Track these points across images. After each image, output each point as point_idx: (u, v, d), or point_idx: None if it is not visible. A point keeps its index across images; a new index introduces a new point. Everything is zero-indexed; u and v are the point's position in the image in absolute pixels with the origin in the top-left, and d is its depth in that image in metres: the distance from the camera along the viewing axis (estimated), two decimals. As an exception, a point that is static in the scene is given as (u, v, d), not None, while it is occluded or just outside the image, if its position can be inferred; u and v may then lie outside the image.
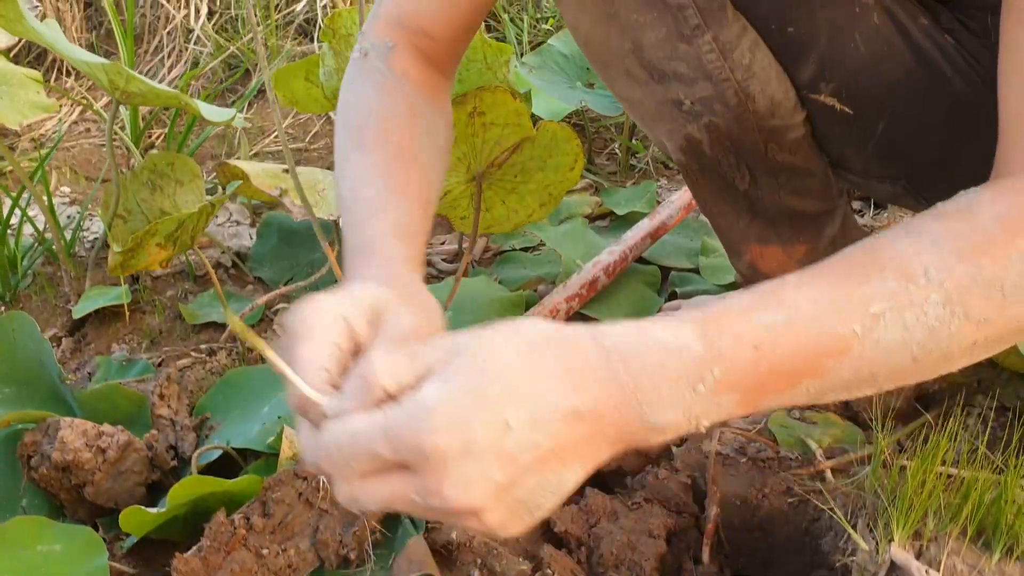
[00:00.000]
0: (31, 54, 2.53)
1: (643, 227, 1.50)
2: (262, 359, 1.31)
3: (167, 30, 2.42)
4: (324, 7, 2.31)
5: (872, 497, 0.89)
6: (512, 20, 2.28)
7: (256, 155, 2.11)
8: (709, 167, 1.04)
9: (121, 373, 1.32)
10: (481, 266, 1.59)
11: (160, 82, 2.39)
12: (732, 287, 1.46)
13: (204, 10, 2.39)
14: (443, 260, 1.67)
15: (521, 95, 1.64)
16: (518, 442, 0.53)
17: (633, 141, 1.96)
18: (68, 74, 2.46)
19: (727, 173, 1.04)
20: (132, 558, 1.04)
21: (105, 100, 2.35)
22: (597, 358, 0.56)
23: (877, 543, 0.82)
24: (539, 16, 2.31)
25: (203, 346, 1.36)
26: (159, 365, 1.33)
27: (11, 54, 2.44)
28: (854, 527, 0.87)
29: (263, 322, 1.41)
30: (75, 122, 2.28)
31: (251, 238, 1.69)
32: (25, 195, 1.73)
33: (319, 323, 0.63)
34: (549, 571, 0.94)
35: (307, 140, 2.16)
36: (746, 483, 1.08)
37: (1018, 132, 0.72)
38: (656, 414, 0.56)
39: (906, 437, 1.16)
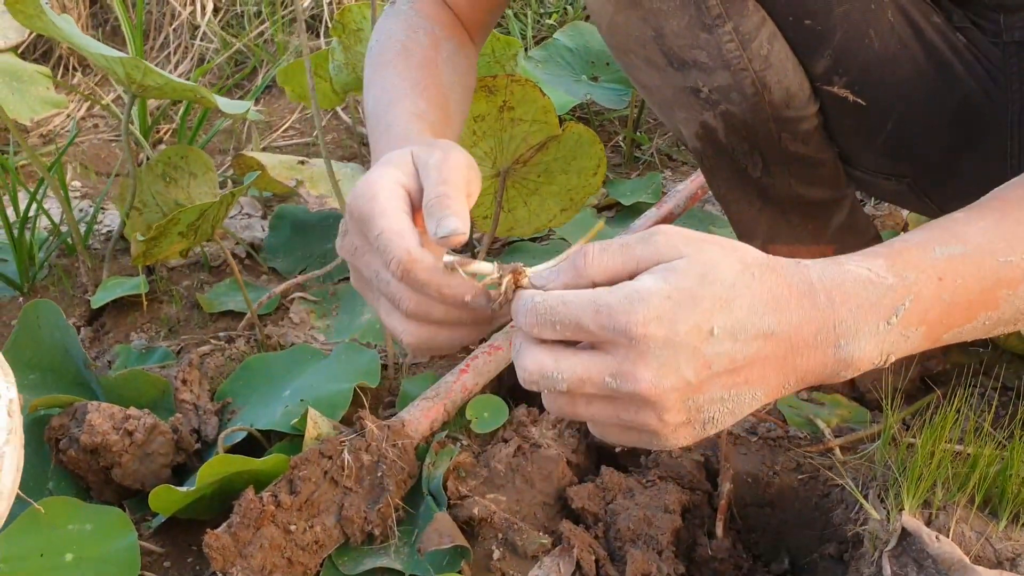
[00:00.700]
0: (38, 51, 2.55)
1: (651, 216, 1.53)
2: (280, 345, 1.34)
3: (173, 27, 2.44)
4: (330, 3, 2.34)
5: (883, 469, 0.92)
6: (516, 15, 2.31)
7: (265, 149, 2.14)
8: (723, 154, 1.07)
9: (141, 360, 1.34)
10: (491, 255, 1.61)
11: (167, 78, 2.41)
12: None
13: (210, 6, 2.42)
14: (453, 250, 1.69)
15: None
16: (716, 350, 0.56)
17: (638, 133, 1.99)
18: (75, 69, 2.48)
19: (741, 161, 1.07)
20: (159, 537, 1.06)
21: (113, 95, 2.37)
22: (801, 286, 0.59)
23: (888, 512, 0.85)
24: (542, 11, 2.33)
25: (221, 334, 1.38)
26: (179, 353, 1.35)
27: (18, 51, 2.46)
28: (865, 498, 0.89)
29: (280, 310, 1.44)
30: (83, 118, 2.30)
31: (263, 230, 1.71)
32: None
33: (384, 197, 0.67)
34: (568, 545, 0.97)
35: (315, 135, 2.18)
36: (757, 461, 1.11)
37: None
38: (851, 344, 0.59)
39: (912, 416, 1.19)
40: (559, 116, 2.01)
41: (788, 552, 1.03)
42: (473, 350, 1.23)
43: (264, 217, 1.78)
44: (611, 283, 0.59)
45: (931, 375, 1.25)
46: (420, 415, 1.10)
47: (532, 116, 1.18)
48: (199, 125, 1.89)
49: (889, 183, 1.14)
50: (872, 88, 1.01)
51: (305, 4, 2.34)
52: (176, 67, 2.41)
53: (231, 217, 1.81)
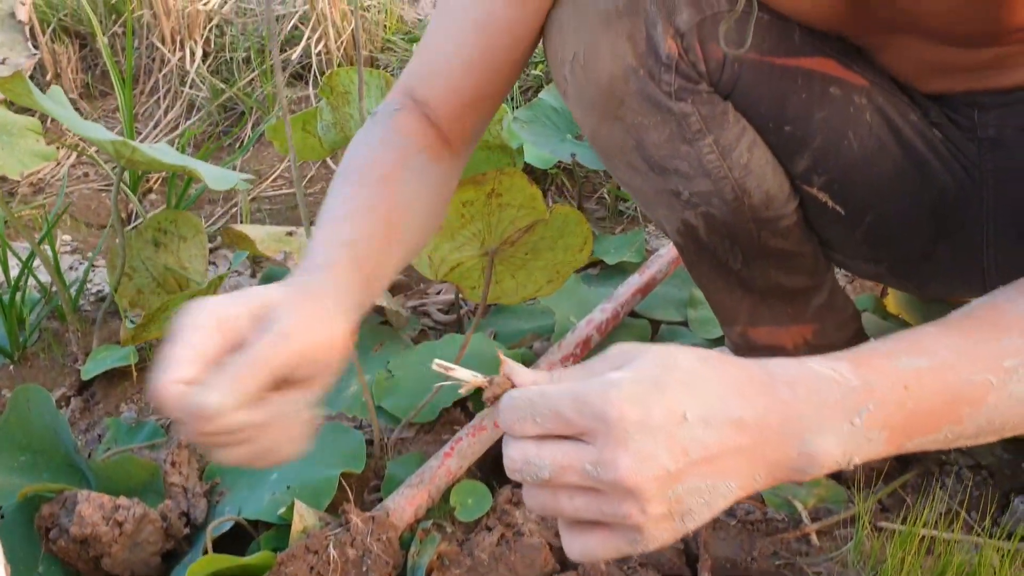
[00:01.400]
0: (27, 94, 2.56)
1: (633, 283, 1.55)
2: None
3: (163, 72, 2.45)
4: (319, 53, 2.36)
5: (855, 570, 0.94)
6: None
7: (254, 199, 2.16)
8: (704, 249, 1.09)
9: (131, 435, 1.36)
10: (474, 315, 1.63)
11: (157, 124, 2.43)
12: (720, 342, 1.51)
13: (199, 52, 2.43)
14: (439, 311, 1.71)
15: (515, 151, 1.69)
16: (690, 435, 0.57)
17: (621, 188, 2.01)
18: (65, 115, 2.50)
19: (721, 255, 1.09)
20: (149, 627, 1.08)
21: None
22: (761, 376, 0.61)
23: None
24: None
25: (210, 407, 1.40)
26: (168, 428, 1.37)
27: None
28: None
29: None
30: (73, 166, 2.31)
31: (252, 290, 1.73)
32: (26, 244, 1.76)
33: (192, 325, 0.69)
34: (550, 639, 0.99)
35: (304, 184, 2.20)
36: (735, 546, 1.13)
37: None
38: (815, 440, 0.60)
39: (888, 496, 1.21)
40: (544, 170, 2.05)
41: (765, 642, 1.05)
42: (458, 431, 1.25)
43: (254, 275, 1.80)
44: None
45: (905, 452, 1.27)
46: (404, 503, 1.12)
47: (520, 202, 1.20)
48: (188, 183, 1.90)
49: (869, 266, 1.17)
50: (851, 185, 1.03)
51: (294, 57, 2.36)
52: (166, 113, 2.42)
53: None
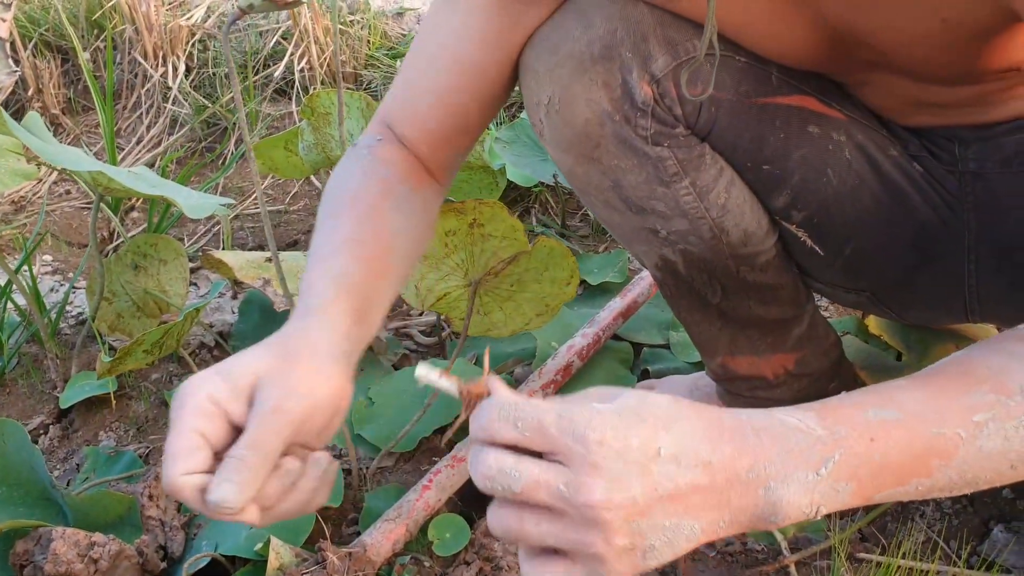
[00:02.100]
0: (9, 109, 2.54)
1: (615, 306, 1.55)
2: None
3: (145, 88, 2.44)
4: (301, 70, 2.35)
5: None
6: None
7: (237, 217, 2.15)
8: (683, 283, 1.09)
9: (109, 465, 1.35)
10: (458, 337, 1.63)
11: (139, 140, 2.42)
12: (702, 366, 1.50)
13: (182, 68, 2.42)
14: (421, 332, 1.71)
15: (497, 172, 1.69)
16: (662, 470, 0.58)
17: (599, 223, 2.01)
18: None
19: (700, 289, 1.09)
20: (125, 665, 1.07)
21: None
22: (731, 421, 0.61)
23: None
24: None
25: (189, 436, 1.39)
26: (147, 457, 1.36)
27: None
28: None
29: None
30: (55, 182, 2.30)
31: (233, 312, 1.72)
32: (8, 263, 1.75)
33: (188, 411, 0.70)
34: None
35: (287, 201, 2.20)
36: (715, 579, 1.13)
37: None
38: (780, 489, 0.60)
39: (868, 525, 1.21)
40: (528, 188, 2.04)
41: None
42: (437, 462, 1.24)
43: (235, 297, 1.79)
44: None
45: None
46: (382, 537, 1.12)
47: (502, 233, 1.20)
48: (168, 206, 1.90)
49: (849, 295, 1.16)
50: (830, 220, 1.03)
51: (277, 73, 2.35)
52: (149, 129, 2.41)
53: (200, 296, 1.82)
